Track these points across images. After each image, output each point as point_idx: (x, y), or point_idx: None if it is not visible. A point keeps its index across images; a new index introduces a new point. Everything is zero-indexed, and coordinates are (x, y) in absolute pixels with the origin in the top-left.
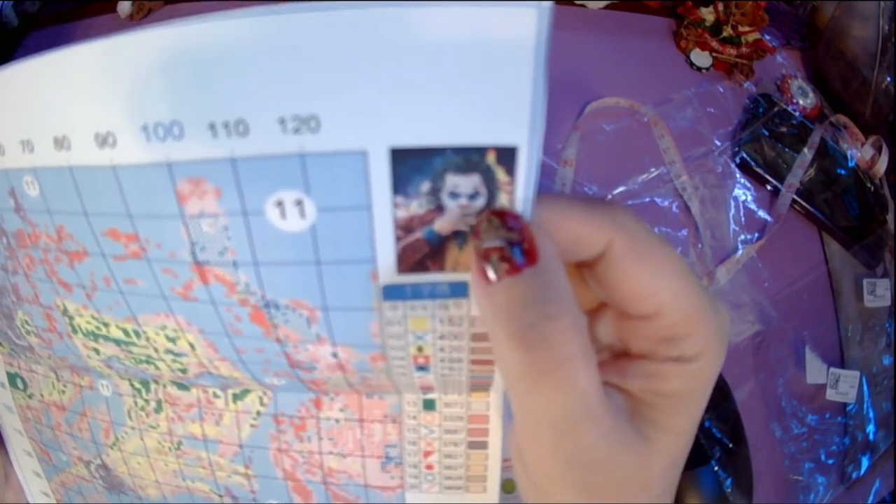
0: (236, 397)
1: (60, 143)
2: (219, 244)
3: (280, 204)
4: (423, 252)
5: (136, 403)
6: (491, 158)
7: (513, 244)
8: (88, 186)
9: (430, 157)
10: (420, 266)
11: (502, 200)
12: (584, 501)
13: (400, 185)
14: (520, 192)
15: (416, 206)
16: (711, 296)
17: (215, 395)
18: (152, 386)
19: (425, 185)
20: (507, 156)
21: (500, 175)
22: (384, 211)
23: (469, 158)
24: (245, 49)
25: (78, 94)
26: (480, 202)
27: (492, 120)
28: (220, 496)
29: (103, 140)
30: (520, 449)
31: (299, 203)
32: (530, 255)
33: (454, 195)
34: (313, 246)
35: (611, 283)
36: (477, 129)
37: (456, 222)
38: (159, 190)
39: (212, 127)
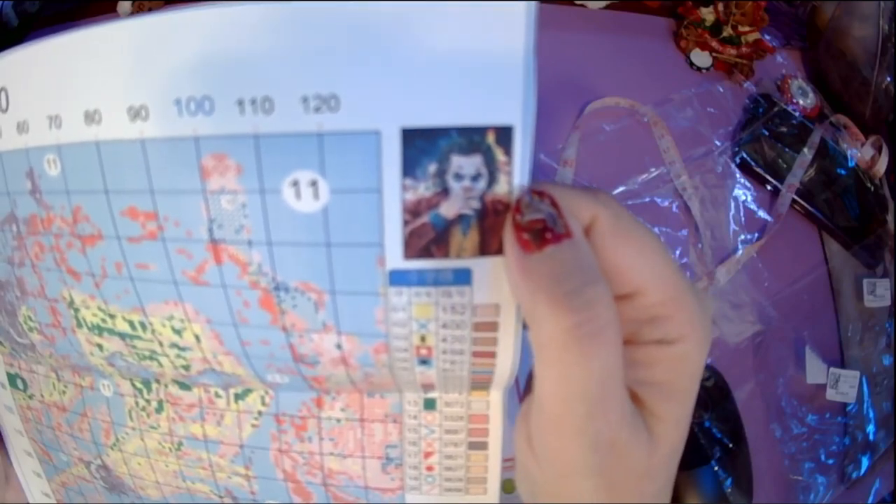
0: (238, 397)
1: (91, 116)
2: (236, 222)
3: (296, 184)
4: (428, 237)
5: (137, 404)
6: (491, 138)
7: (554, 218)
8: (114, 161)
9: (436, 137)
10: (425, 252)
11: (501, 181)
12: (599, 492)
13: (409, 166)
14: (517, 172)
15: (423, 189)
16: (694, 284)
17: (217, 395)
18: (154, 386)
19: (432, 167)
20: (504, 136)
21: (500, 155)
22: (393, 194)
23: (471, 139)
24: (276, 31)
25: (115, 68)
26: (482, 184)
27: (490, 102)
28: (221, 497)
29: (136, 113)
30: (534, 439)
31: (314, 184)
32: (566, 228)
33: (458, 177)
34: (325, 228)
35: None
36: (478, 111)
37: (460, 205)
38: (185, 164)
39: (240, 103)
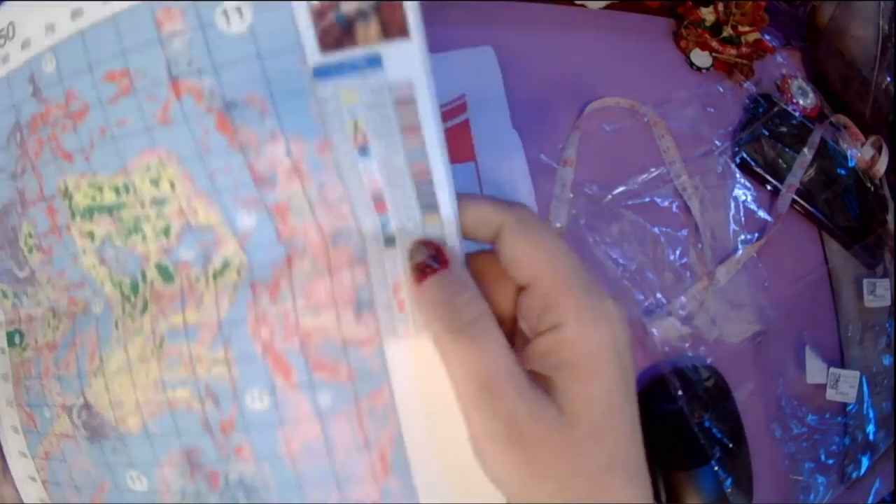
0: (217, 274)
1: (77, 13)
2: (186, 56)
3: (225, 13)
4: (336, 33)
5: (124, 311)
6: None
7: (432, 257)
8: (94, 41)
9: None
10: (337, 44)
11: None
12: (518, 465)
13: None
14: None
15: None
16: (596, 286)
17: (196, 280)
18: (140, 286)
19: None
20: None
21: None
22: (301, 5)
23: None
24: None
25: None
26: None
27: None
28: (202, 399)
29: None
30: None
31: (239, 10)
32: (443, 262)
33: None
34: (254, 42)
35: (503, 254)
36: None
37: (357, 3)
38: (144, 23)
39: None
